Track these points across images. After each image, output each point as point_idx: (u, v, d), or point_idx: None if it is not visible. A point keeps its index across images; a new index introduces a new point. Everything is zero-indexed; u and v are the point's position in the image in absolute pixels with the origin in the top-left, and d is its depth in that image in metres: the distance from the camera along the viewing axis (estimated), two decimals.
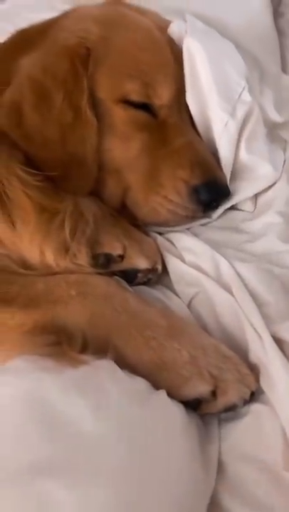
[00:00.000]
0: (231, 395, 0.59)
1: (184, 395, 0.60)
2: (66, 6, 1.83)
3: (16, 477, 0.44)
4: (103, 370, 0.56)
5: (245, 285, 0.68)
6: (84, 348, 0.61)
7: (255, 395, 0.61)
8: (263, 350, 0.62)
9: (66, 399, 0.51)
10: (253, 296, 0.67)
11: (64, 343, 0.61)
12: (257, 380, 0.61)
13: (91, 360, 0.58)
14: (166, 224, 0.81)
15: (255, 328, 0.64)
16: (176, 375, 0.60)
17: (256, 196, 0.83)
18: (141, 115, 0.78)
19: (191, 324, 0.67)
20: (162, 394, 0.58)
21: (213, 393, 0.60)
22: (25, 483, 0.44)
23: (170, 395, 0.59)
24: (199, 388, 0.59)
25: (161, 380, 0.60)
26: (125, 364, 0.60)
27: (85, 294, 0.66)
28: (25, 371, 0.55)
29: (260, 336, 0.63)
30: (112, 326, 0.63)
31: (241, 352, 0.64)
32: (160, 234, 0.82)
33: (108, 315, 0.64)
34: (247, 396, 0.60)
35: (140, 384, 0.57)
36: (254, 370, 0.62)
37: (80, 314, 0.64)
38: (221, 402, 0.60)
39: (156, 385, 0.59)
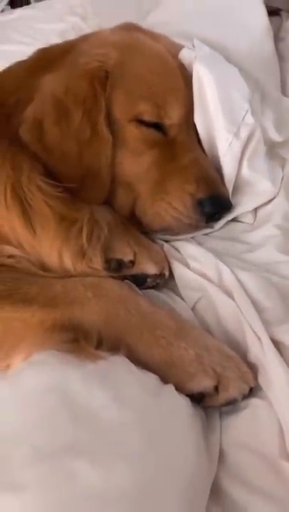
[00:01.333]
0: (232, 390, 0.65)
1: (190, 389, 0.65)
2: (75, 19, 1.90)
3: (48, 456, 0.50)
4: (120, 365, 0.63)
5: (246, 291, 0.75)
6: (99, 345, 0.67)
7: (253, 391, 0.67)
8: (261, 351, 0.68)
9: (88, 389, 0.57)
10: (253, 301, 0.73)
11: (81, 340, 0.66)
12: (255, 377, 0.67)
13: (107, 356, 0.64)
14: (169, 229, 0.87)
15: (254, 331, 0.70)
16: (183, 371, 0.66)
17: (256, 210, 0.90)
18: (152, 133, 0.84)
19: (196, 326, 0.73)
20: (171, 387, 0.64)
21: (216, 388, 0.65)
22: (55, 462, 0.50)
23: (177, 389, 0.64)
24: (203, 383, 0.65)
25: (169, 375, 0.65)
26: (136, 360, 0.66)
27: (100, 296, 0.71)
28: (49, 364, 0.61)
29: (259, 338, 0.69)
30: (125, 326, 0.69)
31: (241, 352, 0.70)
32: (166, 241, 0.88)
33: (121, 315, 0.69)
34: (246, 392, 0.66)
35: (152, 378, 0.64)
36: (253, 368, 0.68)
37: (96, 314, 0.69)
38: (223, 396, 0.66)
39: (165, 380, 0.65)
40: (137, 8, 1.60)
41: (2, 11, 2.41)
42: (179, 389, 0.65)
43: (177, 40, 0.99)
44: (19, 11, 2.15)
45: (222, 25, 1.07)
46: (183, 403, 0.63)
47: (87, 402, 0.57)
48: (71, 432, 0.54)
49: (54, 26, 1.77)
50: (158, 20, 1.12)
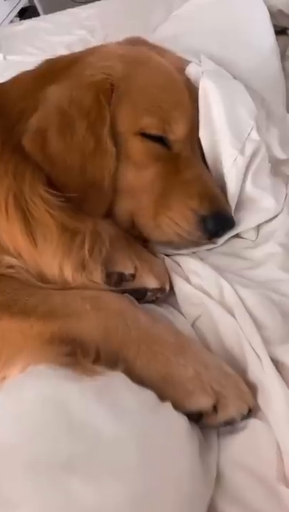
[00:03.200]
0: (231, 409, 0.64)
1: (188, 407, 0.64)
2: (82, 32, 1.92)
3: (43, 472, 0.49)
4: (117, 381, 0.62)
5: (246, 309, 0.74)
6: (97, 360, 0.66)
7: (252, 411, 0.66)
8: (261, 371, 0.67)
9: (85, 404, 0.57)
10: (254, 319, 0.72)
11: (79, 354, 0.65)
12: (255, 397, 0.66)
13: (105, 371, 0.63)
14: (170, 244, 0.86)
15: (254, 350, 0.69)
16: (181, 388, 0.65)
17: (258, 226, 0.89)
18: (156, 147, 0.84)
19: (196, 342, 0.72)
20: (169, 405, 0.63)
21: (214, 407, 0.64)
22: (50, 478, 0.49)
23: (175, 406, 0.63)
24: (202, 402, 0.64)
25: (167, 392, 0.64)
26: (134, 376, 0.65)
27: (99, 310, 0.70)
28: (46, 377, 0.60)
29: (259, 357, 0.68)
30: (123, 340, 0.68)
31: (241, 371, 0.69)
32: (167, 255, 0.88)
33: (120, 330, 0.68)
34: (245, 411, 0.65)
35: (149, 395, 0.62)
36: (252, 388, 0.67)
37: (94, 328, 0.68)
38: (222, 415, 0.64)
39: (162, 397, 0.64)
40: (144, 22, 1.61)
41: (11, 21, 2.44)
42: (177, 407, 0.64)
43: (183, 56, 0.99)
44: (28, 22, 2.18)
45: (229, 43, 1.07)
46: (180, 421, 0.62)
47: (83, 416, 0.56)
48: (67, 447, 0.53)
49: (62, 39, 1.80)
50: (165, 36, 1.13)
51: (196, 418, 0.65)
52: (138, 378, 0.65)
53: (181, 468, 0.58)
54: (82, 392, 0.58)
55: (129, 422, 0.56)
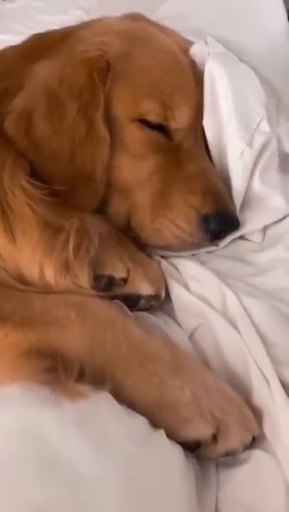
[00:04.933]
0: (233, 439, 0.57)
1: (184, 435, 0.57)
2: (78, 12, 1.82)
3: None
4: (102, 406, 0.53)
5: (252, 321, 0.66)
6: (80, 377, 0.58)
7: (256, 441, 0.58)
8: (268, 394, 0.60)
9: (64, 436, 0.48)
10: (261, 334, 0.64)
11: (60, 370, 0.58)
12: (260, 424, 0.59)
13: (89, 392, 0.55)
14: (169, 248, 0.79)
15: (260, 369, 0.61)
16: (177, 414, 0.57)
17: (265, 228, 0.81)
18: (156, 136, 0.76)
19: (195, 359, 0.64)
20: (162, 434, 0.55)
21: (214, 436, 0.57)
22: None
23: (169, 435, 0.56)
24: (200, 430, 0.56)
25: (160, 418, 0.57)
26: (123, 398, 0.57)
27: (84, 318, 0.62)
28: (21, 401, 0.51)
29: (266, 379, 0.60)
30: (111, 356, 0.60)
31: (244, 392, 0.62)
32: (163, 257, 0.79)
33: (108, 343, 0.61)
34: (248, 441, 0.58)
35: (139, 422, 0.54)
36: (257, 413, 0.59)
37: (79, 339, 0.61)
38: (222, 446, 0.57)
39: (154, 423, 0.56)
40: (145, 4, 1.51)
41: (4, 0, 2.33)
42: (171, 435, 0.56)
43: (188, 36, 0.91)
44: (21, 1, 2.06)
45: (238, 25, 0.98)
46: (174, 453, 0.55)
47: (61, 452, 0.48)
48: (40, 490, 0.45)
49: (55, 18, 1.69)
50: (168, 13, 1.04)
51: (192, 448, 0.57)
52: (127, 400, 0.57)
53: (175, 508, 0.51)
54: (62, 420, 0.50)
55: (115, 459, 0.48)
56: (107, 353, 0.60)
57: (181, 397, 0.57)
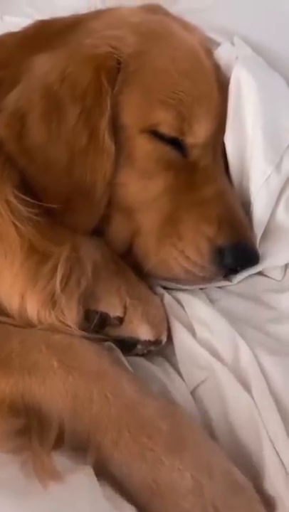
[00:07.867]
0: None
1: None
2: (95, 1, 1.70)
3: None
4: (80, 495, 0.43)
5: (269, 385, 0.55)
6: (59, 441, 0.49)
7: None
8: (284, 480, 0.49)
9: None
10: (277, 401, 0.54)
11: (34, 433, 0.49)
12: None
13: (66, 471, 0.44)
14: (176, 280, 0.69)
15: (275, 447, 0.51)
16: (173, 504, 0.46)
17: (287, 265, 0.71)
18: (169, 151, 0.68)
19: (197, 430, 0.52)
20: None
21: None
22: None
23: None
24: None
25: (152, 507, 0.46)
26: (108, 473, 0.48)
27: (68, 368, 0.53)
28: None
29: (282, 462, 0.50)
30: (98, 419, 0.50)
31: (254, 472, 0.51)
32: (165, 288, 0.70)
33: (95, 402, 0.51)
34: None
35: None
36: (269, 503, 0.49)
37: (60, 395, 0.52)
38: None
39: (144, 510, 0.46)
40: None
41: None
42: None
43: (210, 35, 0.81)
44: None
45: (270, 25, 0.87)
46: None
47: None
48: None
49: (68, 3, 1.58)
50: (190, 7, 0.93)
51: None
52: (113, 478, 0.48)
53: None
54: None
55: None
56: (92, 416, 0.50)
57: (179, 482, 0.47)
